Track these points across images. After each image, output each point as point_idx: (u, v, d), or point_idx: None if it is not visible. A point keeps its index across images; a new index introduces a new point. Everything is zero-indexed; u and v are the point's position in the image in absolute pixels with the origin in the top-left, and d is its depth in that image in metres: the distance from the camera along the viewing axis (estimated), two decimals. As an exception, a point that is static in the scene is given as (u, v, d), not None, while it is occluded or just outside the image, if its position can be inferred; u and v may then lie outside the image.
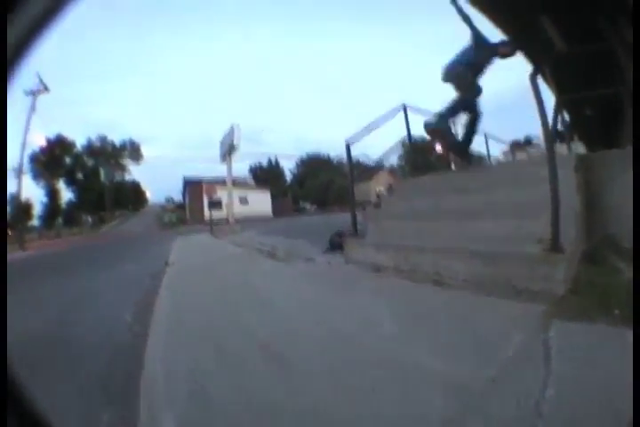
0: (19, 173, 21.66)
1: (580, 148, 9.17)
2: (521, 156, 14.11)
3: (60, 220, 31.82)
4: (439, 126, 4.99)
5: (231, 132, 16.67)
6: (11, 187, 22.75)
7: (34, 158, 29.60)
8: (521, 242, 3.14)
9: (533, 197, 3.62)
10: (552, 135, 4.42)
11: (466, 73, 4.68)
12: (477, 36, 4.67)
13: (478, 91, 4.82)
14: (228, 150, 16.91)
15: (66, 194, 33.62)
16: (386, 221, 4.90)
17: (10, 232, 22.84)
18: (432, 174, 5.86)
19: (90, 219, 31.98)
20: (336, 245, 5.43)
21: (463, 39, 4.83)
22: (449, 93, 5.02)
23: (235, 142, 16.43)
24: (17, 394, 0.87)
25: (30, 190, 29.68)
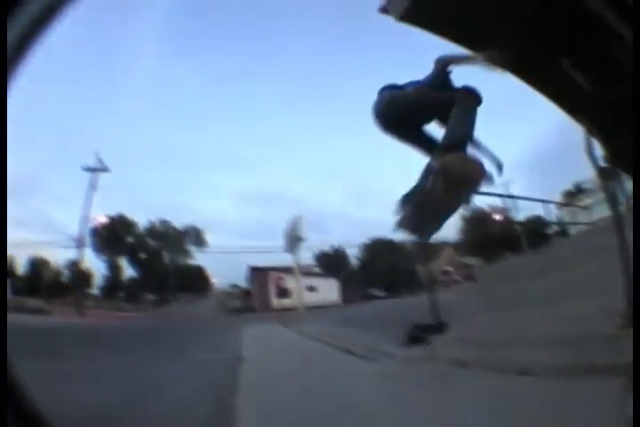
0: (79, 243, 23.94)
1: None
2: (578, 211, 13.48)
3: (121, 295, 32.15)
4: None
5: (296, 224, 17.82)
6: (71, 254, 26.17)
7: (95, 233, 30.43)
8: (602, 319, 3.11)
9: (607, 268, 3.61)
10: (617, 208, 4.17)
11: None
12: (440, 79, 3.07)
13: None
14: (295, 242, 17.73)
15: (128, 270, 33.58)
16: (468, 312, 4.95)
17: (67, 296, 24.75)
18: (507, 258, 5.87)
19: (153, 298, 31.82)
20: (415, 337, 5.38)
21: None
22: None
23: (300, 235, 17.36)
24: (17, 394, 0.89)
25: (92, 261, 30.51)
